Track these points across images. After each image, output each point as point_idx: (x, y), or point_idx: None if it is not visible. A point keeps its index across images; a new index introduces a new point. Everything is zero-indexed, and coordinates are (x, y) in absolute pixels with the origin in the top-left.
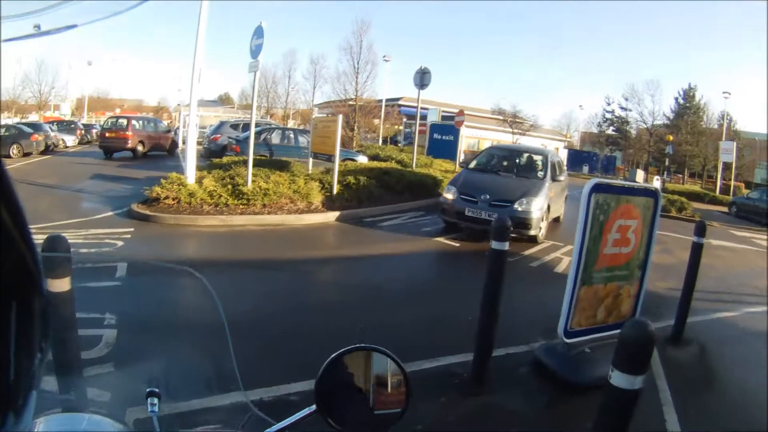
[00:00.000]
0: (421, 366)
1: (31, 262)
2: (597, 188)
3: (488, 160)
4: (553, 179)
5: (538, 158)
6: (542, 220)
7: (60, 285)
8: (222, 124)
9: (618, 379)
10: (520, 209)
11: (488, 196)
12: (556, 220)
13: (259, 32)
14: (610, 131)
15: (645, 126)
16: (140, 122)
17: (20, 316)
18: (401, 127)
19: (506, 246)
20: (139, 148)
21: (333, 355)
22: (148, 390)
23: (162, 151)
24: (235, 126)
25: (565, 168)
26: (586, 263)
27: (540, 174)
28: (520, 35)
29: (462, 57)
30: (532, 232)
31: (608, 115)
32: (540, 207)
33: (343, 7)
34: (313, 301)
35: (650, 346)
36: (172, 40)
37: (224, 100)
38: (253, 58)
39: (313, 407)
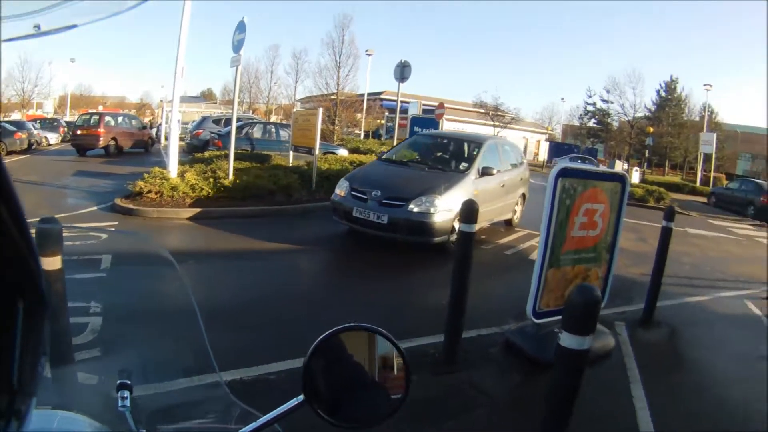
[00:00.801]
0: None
1: (31, 261)
2: (563, 173)
3: (409, 149)
4: (484, 173)
5: (469, 147)
6: (453, 223)
7: (52, 263)
8: (204, 119)
9: (567, 339)
10: (415, 210)
11: (379, 193)
12: (508, 222)
13: (241, 27)
14: (591, 123)
15: (626, 118)
16: (113, 119)
17: (23, 324)
18: (383, 121)
19: (473, 228)
20: (112, 145)
21: (320, 338)
22: (118, 382)
23: (139, 148)
24: (217, 121)
25: (521, 160)
26: (554, 246)
27: (462, 166)
28: (501, 29)
29: (444, 50)
30: (435, 239)
31: (590, 108)
32: (447, 207)
33: (326, 1)
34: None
35: (595, 309)
36: (154, 36)
37: (207, 96)
38: (235, 53)
39: (301, 397)
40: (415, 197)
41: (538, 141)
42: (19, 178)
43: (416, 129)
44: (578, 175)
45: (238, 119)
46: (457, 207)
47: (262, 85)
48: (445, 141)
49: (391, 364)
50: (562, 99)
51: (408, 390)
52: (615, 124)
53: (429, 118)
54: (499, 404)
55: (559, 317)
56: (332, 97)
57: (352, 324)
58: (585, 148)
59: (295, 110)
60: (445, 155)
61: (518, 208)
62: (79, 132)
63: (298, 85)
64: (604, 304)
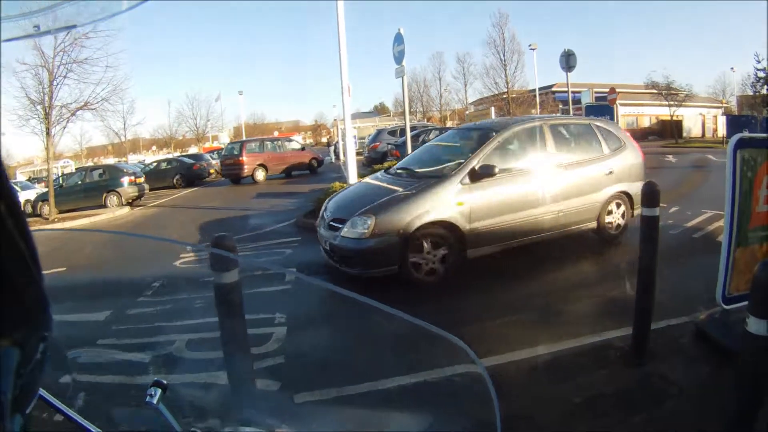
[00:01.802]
0: (583, 341)
1: (32, 263)
2: (741, 143)
3: (421, 154)
4: (481, 175)
5: (478, 141)
6: (408, 249)
7: (229, 276)
8: (379, 132)
9: (755, 324)
10: (346, 234)
11: (329, 214)
12: (599, 232)
13: (398, 39)
14: (765, 91)
15: None
16: (259, 144)
17: (20, 319)
18: (558, 113)
19: (657, 212)
20: (260, 173)
21: None
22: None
23: (302, 170)
24: (392, 132)
25: (615, 146)
26: (740, 223)
27: (447, 169)
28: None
29: (609, 33)
30: (371, 272)
31: (760, 74)
32: (390, 229)
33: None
34: None
35: None
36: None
37: (380, 110)
38: (398, 64)
39: None
40: (351, 216)
41: (715, 116)
42: (202, 205)
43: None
44: (756, 144)
45: (413, 128)
46: (412, 224)
47: (432, 93)
48: (460, 138)
49: None
50: (732, 69)
51: None
52: None
53: (603, 104)
54: (690, 396)
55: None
56: (503, 95)
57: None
58: (763, 118)
59: (467, 113)
60: (449, 157)
61: (616, 212)
62: (226, 162)
63: (468, 88)
64: None
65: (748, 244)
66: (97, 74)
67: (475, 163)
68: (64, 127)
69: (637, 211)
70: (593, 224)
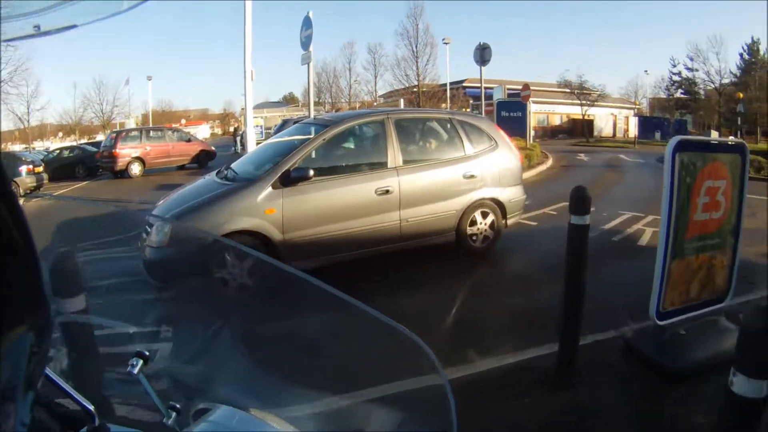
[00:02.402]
0: (502, 362)
1: (31, 262)
2: (681, 146)
3: (259, 152)
4: (296, 179)
5: (313, 134)
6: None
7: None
8: (285, 122)
9: (741, 385)
10: (147, 239)
11: (153, 214)
12: (462, 242)
13: (307, 23)
14: (678, 94)
15: (713, 86)
16: (136, 135)
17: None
18: (468, 109)
19: (587, 220)
20: (135, 167)
21: None
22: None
23: (191, 164)
24: (298, 122)
25: (483, 146)
26: (676, 233)
27: (263, 171)
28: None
29: (522, 31)
30: (153, 280)
31: (675, 78)
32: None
33: None
34: None
35: None
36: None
37: (289, 100)
38: (305, 50)
39: None
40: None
41: (626, 117)
42: (101, 198)
43: (503, 113)
44: (696, 148)
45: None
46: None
47: (342, 84)
48: (299, 133)
49: None
50: (646, 71)
51: None
52: (702, 93)
53: (515, 101)
54: (625, 420)
55: (685, 316)
56: (414, 89)
57: None
58: (675, 121)
59: (375, 104)
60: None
61: (481, 221)
62: (102, 154)
63: (378, 80)
64: (730, 298)
65: (684, 255)
66: None
67: (290, 164)
68: None
69: (512, 221)
70: (451, 235)
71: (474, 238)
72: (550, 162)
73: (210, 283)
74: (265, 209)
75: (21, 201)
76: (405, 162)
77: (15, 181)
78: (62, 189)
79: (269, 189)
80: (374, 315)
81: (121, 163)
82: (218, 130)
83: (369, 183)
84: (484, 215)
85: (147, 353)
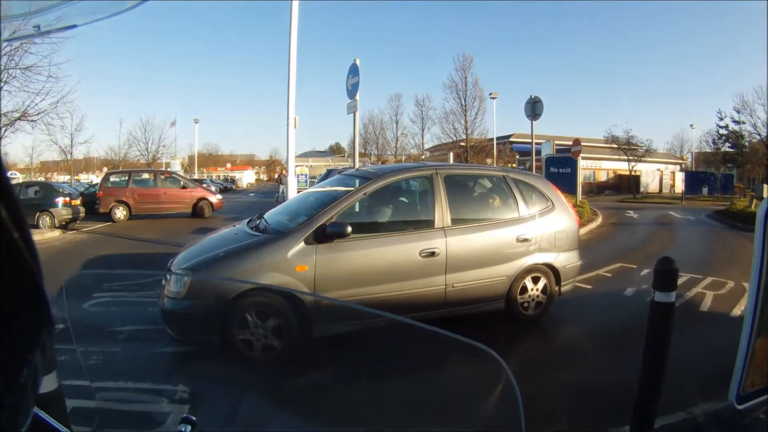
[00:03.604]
0: None
1: (32, 263)
2: None
3: (296, 204)
4: (333, 235)
5: (357, 186)
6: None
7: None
8: (329, 171)
9: None
10: (165, 289)
11: (175, 263)
12: (512, 310)
13: (354, 70)
14: (726, 148)
15: (759, 137)
16: (124, 178)
17: (20, 318)
18: (515, 165)
19: (672, 297)
20: (119, 211)
21: None
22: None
23: (184, 212)
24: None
25: (538, 208)
26: (764, 306)
27: (296, 224)
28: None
29: (570, 87)
30: (171, 332)
31: (722, 131)
32: (201, 290)
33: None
34: None
35: None
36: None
37: (335, 150)
38: (351, 98)
39: None
40: (173, 272)
41: (673, 172)
42: (136, 236)
43: (552, 169)
44: None
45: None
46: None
47: (388, 136)
48: (341, 185)
49: None
50: (692, 126)
51: None
52: (747, 146)
53: (565, 156)
54: None
55: (765, 398)
56: (461, 143)
57: None
58: (721, 175)
59: (423, 158)
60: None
61: (533, 288)
62: (89, 193)
63: (425, 133)
64: None
65: None
66: (39, 83)
67: (327, 218)
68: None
69: (565, 288)
70: (500, 303)
71: (525, 305)
72: (599, 219)
73: (233, 344)
74: (296, 266)
75: (57, 233)
76: (453, 222)
77: (50, 212)
78: (97, 224)
79: (302, 244)
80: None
81: (103, 206)
82: (263, 176)
83: (413, 243)
84: (535, 281)
85: (194, 418)
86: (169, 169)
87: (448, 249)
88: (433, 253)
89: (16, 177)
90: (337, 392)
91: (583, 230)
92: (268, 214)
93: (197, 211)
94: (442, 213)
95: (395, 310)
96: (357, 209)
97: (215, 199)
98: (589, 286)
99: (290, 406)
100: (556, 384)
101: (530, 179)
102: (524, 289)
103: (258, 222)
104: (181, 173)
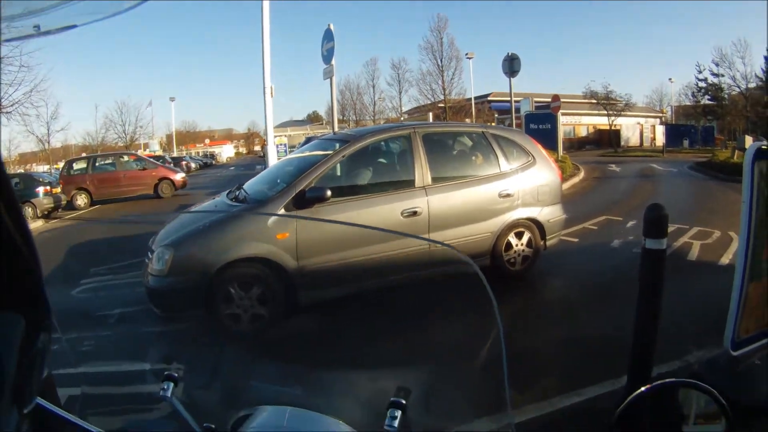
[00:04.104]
0: (559, 404)
1: (30, 260)
2: (760, 154)
3: (276, 170)
4: (312, 200)
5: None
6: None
7: None
8: (308, 140)
9: None
10: (149, 267)
11: (156, 241)
12: (496, 264)
13: (328, 35)
14: (705, 100)
15: (739, 90)
16: (84, 164)
17: (20, 314)
18: (494, 123)
19: (664, 244)
20: (80, 199)
21: (635, 394)
22: (391, 399)
23: (145, 194)
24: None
25: (520, 162)
26: (755, 252)
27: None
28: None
29: (541, 44)
30: (157, 311)
31: (701, 84)
32: (183, 266)
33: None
34: None
35: None
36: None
37: (313, 119)
38: (326, 63)
39: None
40: (155, 248)
41: (653, 125)
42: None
43: (531, 126)
44: None
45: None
46: (214, 261)
47: (366, 101)
48: (319, 149)
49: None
50: (670, 79)
51: None
52: (727, 98)
53: (544, 113)
54: None
55: (760, 344)
56: (440, 104)
57: (674, 380)
58: (701, 127)
59: (402, 120)
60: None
61: (517, 243)
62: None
63: (403, 95)
64: None
65: (762, 276)
66: (12, 74)
67: (305, 184)
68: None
69: (551, 242)
70: (485, 260)
71: (512, 261)
72: (582, 174)
73: (219, 322)
74: (277, 234)
75: (40, 223)
76: (434, 180)
77: (32, 202)
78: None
79: (282, 211)
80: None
81: (66, 194)
82: (243, 150)
83: (394, 204)
84: (519, 236)
85: (176, 375)
86: (127, 151)
87: (430, 208)
88: (415, 213)
89: None
90: (317, 337)
91: (566, 185)
92: (248, 184)
93: (157, 191)
94: (422, 172)
95: (380, 271)
96: (337, 173)
97: (179, 177)
98: (576, 239)
99: (271, 353)
100: (551, 338)
101: (510, 134)
102: (509, 245)
103: (237, 193)
104: (160, 152)
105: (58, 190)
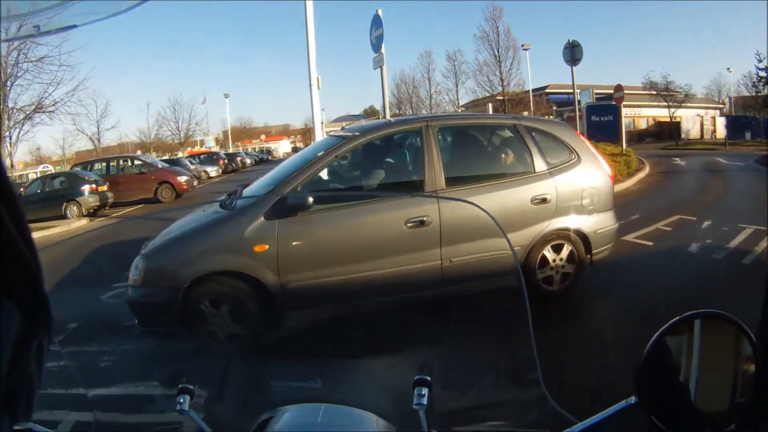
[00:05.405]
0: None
1: (31, 261)
2: None
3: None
4: (294, 208)
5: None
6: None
7: None
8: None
9: None
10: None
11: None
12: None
13: (377, 22)
14: (766, 91)
15: None
16: (85, 168)
17: (19, 317)
18: (552, 116)
19: None
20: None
21: (660, 331)
22: (416, 378)
23: (147, 197)
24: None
25: (556, 161)
26: None
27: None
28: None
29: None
30: (142, 328)
31: (762, 74)
32: (156, 277)
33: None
34: None
35: None
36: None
37: (369, 113)
38: (376, 52)
39: (632, 400)
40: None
41: (713, 117)
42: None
43: (593, 118)
44: None
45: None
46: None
47: (422, 94)
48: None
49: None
50: (729, 69)
51: (758, 396)
52: None
53: (606, 104)
54: None
55: None
56: (498, 96)
57: (696, 312)
58: (764, 119)
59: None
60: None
61: (554, 258)
62: None
63: (460, 87)
64: None
65: None
66: (51, 73)
67: (290, 188)
68: (19, 132)
69: (600, 255)
70: (512, 279)
71: (548, 279)
72: (647, 168)
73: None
74: (255, 245)
75: (84, 221)
76: (449, 183)
77: (77, 201)
78: (128, 207)
79: (261, 219)
80: None
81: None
82: (300, 145)
83: (397, 212)
84: (557, 250)
85: (191, 387)
86: (130, 154)
87: (442, 216)
88: (422, 222)
89: (49, 170)
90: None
91: (633, 180)
92: (250, 187)
93: (157, 196)
94: (434, 173)
95: (380, 292)
96: (331, 175)
97: (182, 179)
98: (650, 243)
99: (285, 350)
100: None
101: (548, 126)
102: (544, 261)
103: (230, 197)
104: (216, 149)
105: (104, 188)
